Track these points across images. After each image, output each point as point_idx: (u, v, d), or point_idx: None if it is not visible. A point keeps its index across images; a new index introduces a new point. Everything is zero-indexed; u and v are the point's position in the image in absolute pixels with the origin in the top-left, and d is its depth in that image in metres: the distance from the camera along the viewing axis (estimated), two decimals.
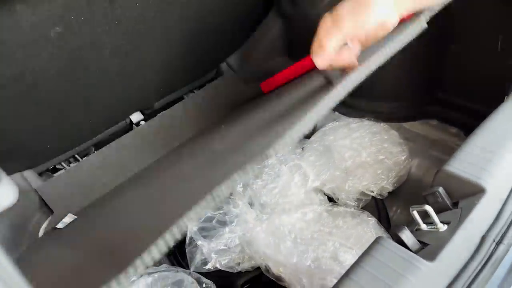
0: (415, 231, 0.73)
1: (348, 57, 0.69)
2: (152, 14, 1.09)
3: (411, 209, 0.72)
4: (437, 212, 0.73)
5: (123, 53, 1.07)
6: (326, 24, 0.69)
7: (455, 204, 0.74)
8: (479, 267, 0.64)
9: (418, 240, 0.69)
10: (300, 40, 1.38)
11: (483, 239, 0.67)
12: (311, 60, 0.75)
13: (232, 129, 1.06)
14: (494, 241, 0.67)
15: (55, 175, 1.10)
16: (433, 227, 0.71)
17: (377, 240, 0.67)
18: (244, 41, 1.47)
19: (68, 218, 1.01)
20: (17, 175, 1.09)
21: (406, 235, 0.68)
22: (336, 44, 0.68)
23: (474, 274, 0.63)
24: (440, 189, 0.75)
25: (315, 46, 0.70)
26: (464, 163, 0.77)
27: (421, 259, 0.63)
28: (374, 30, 0.67)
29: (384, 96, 1.37)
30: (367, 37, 0.68)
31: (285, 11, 1.37)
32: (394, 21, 0.68)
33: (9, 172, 1.08)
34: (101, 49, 1.02)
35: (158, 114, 1.26)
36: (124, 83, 1.14)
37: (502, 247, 0.66)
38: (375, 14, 0.66)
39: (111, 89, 1.11)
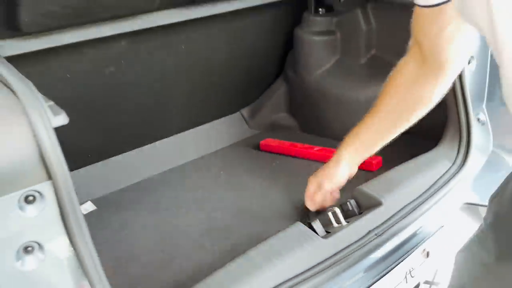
0: (331, 226, 1.00)
1: (330, 201, 1.06)
2: (181, 66, 1.48)
3: (327, 210, 1.00)
4: (348, 217, 1.01)
5: (154, 92, 1.45)
6: (313, 186, 1.06)
7: (361, 213, 1.01)
8: (357, 248, 0.90)
9: (326, 230, 0.97)
10: (298, 100, 1.73)
11: (368, 232, 0.94)
12: (305, 149, 1.47)
13: None
14: (376, 234, 0.94)
15: (86, 167, 1.41)
16: (340, 224, 0.98)
17: (295, 224, 0.95)
18: (257, 98, 1.83)
19: (89, 206, 1.32)
20: None
21: (316, 224, 0.96)
22: (321, 198, 1.05)
23: (352, 252, 0.89)
24: (352, 201, 1.03)
25: (307, 200, 1.07)
26: (375, 184, 1.05)
27: (318, 236, 0.91)
28: (344, 181, 1.05)
29: None
30: (340, 186, 1.05)
31: (289, 77, 1.73)
32: (355, 171, 1.05)
33: None
34: (138, 87, 1.41)
35: (173, 136, 1.60)
36: (152, 115, 1.50)
37: (379, 239, 0.93)
38: (344, 174, 1.03)
39: (141, 118, 1.48)
